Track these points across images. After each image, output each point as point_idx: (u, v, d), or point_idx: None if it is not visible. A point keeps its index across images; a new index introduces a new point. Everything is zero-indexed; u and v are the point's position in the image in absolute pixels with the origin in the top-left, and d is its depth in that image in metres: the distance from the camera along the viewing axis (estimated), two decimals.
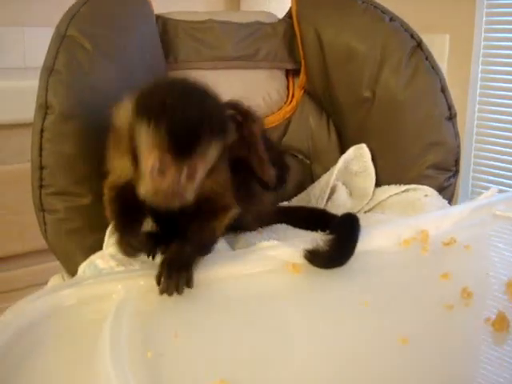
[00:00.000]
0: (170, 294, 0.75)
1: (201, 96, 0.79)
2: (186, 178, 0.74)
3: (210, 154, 0.77)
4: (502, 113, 2.03)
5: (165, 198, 0.75)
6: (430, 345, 0.67)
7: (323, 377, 0.62)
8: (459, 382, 0.61)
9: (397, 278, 0.85)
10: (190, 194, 0.76)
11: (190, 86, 0.81)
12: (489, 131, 2.08)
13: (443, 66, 2.18)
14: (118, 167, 0.84)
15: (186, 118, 0.74)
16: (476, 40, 2.06)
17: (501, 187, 2.00)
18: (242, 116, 0.90)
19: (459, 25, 2.09)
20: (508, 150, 2.01)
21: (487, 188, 1.82)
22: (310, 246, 0.84)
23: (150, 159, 0.74)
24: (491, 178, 2.09)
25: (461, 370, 0.63)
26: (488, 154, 2.09)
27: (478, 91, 2.10)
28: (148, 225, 0.91)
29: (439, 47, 2.18)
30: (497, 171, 2.07)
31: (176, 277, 0.76)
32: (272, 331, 0.71)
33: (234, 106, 0.91)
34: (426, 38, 2.14)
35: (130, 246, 0.79)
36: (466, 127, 2.13)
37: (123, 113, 0.77)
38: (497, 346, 0.67)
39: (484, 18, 2.03)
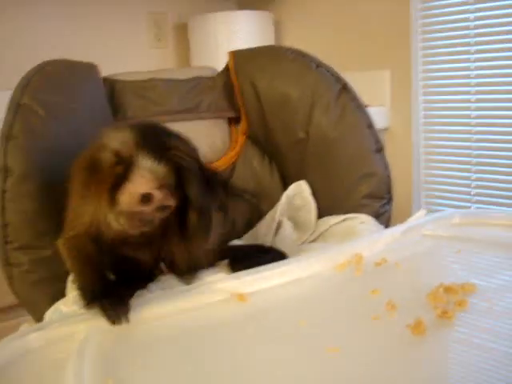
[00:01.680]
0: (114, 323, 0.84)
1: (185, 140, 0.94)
2: (166, 207, 0.89)
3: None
4: (447, 139, 2.12)
5: (139, 223, 0.88)
6: (357, 351, 0.75)
7: None
8: (384, 382, 0.68)
9: (331, 298, 0.93)
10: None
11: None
12: (436, 157, 2.17)
13: (386, 99, 2.31)
14: (88, 212, 0.91)
15: (185, 159, 0.88)
16: (414, 73, 2.16)
17: (451, 204, 2.12)
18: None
19: (398, 61, 2.19)
20: (455, 173, 2.12)
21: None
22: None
23: (141, 188, 0.86)
24: (441, 201, 2.18)
25: (386, 370, 0.70)
26: (437, 179, 2.18)
27: (422, 120, 2.21)
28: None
29: (381, 82, 2.31)
30: (447, 194, 2.16)
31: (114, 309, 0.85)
32: (222, 354, 0.77)
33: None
34: (368, 75, 2.28)
35: (116, 312, 0.85)
36: (413, 154, 2.24)
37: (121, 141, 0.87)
38: (416, 348, 0.74)
39: (420, 52, 2.13)
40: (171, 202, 0.89)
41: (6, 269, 1.08)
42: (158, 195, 0.86)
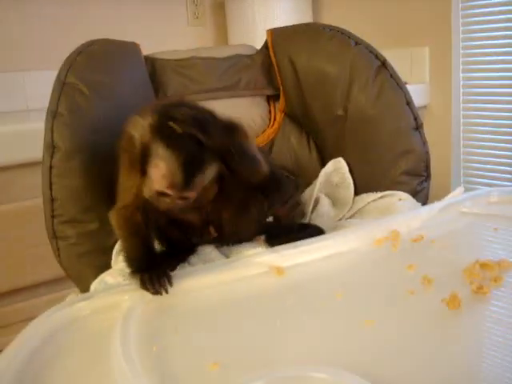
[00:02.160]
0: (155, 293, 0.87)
1: (207, 126, 0.88)
2: (185, 198, 0.87)
3: (207, 179, 0.89)
4: (485, 117, 2.12)
5: (166, 204, 0.88)
6: (393, 324, 0.77)
7: (305, 357, 0.71)
8: (420, 355, 0.69)
9: (368, 273, 0.94)
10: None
11: (201, 115, 0.91)
12: (475, 135, 2.17)
13: (426, 76, 2.29)
14: (134, 185, 0.92)
15: (186, 156, 0.84)
16: (455, 50, 2.15)
17: (490, 184, 2.11)
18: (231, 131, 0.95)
19: (437, 37, 2.18)
20: (494, 151, 2.11)
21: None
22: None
23: (155, 185, 0.86)
24: (480, 180, 2.18)
25: (421, 342, 0.72)
26: (476, 157, 2.18)
27: (462, 98, 2.19)
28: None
29: (420, 59, 2.29)
30: (485, 173, 2.16)
31: (154, 280, 0.88)
32: (260, 324, 0.80)
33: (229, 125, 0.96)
34: (407, 52, 2.27)
35: (154, 286, 0.88)
36: (453, 131, 2.23)
37: (140, 128, 0.87)
38: (451, 322, 0.75)
39: (461, 28, 2.11)
40: (190, 195, 0.88)
41: (53, 242, 1.12)
42: (171, 192, 0.86)
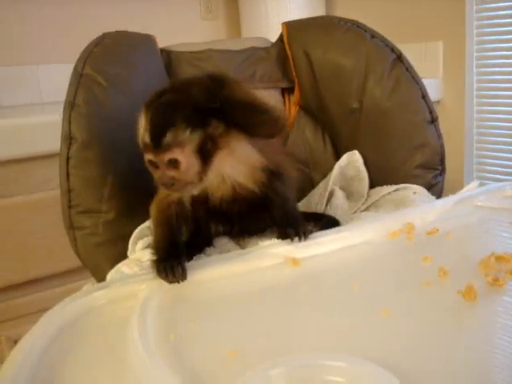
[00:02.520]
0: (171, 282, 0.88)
1: (184, 90, 0.87)
2: (174, 168, 0.85)
3: (188, 144, 0.84)
4: (499, 112, 2.12)
5: (168, 189, 0.88)
6: (410, 314, 0.77)
7: (322, 346, 0.72)
8: (435, 346, 0.69)
9: (383, 264, 0.95)
10: (193, 182, 0.88)
11: (194, 79, 0.91)
12: (489, 130, 2.17)
13: (439, 70, 2.28)
14: None
15: (157, 117, 0.84)
16: (469, 45, 2.14)
17: (503, 179, 2.10)
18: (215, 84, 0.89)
19: (452, 31, 2.18)
20: (507, 147, 2.11)
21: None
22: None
23: (145, 156, 0.86)
24: (493, 175, 2.18)
25: (437, 333, 0.72)
26: (489, 153, 2.18)
27: (475, 93, 2.19)
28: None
29: (434, 54, 2.28)
30: (498, 169, 2.16)
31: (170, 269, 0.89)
32: (276, 314, 0.81)
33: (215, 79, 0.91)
34: (421, 46, 2.27)
35: (168, 275, 0.89)
36: (466, 126, 2.23)
37: None
38: (467, 313, 0.76)
39: (475, 23, 2.11)
40: (172, 154, 0.84)
41: (70, 232, 1.14)
42: (148, 156, 0.85)
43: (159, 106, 0.85)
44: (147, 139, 0.84)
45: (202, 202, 0.98)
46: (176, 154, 0.84)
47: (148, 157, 0.86)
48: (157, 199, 0.97)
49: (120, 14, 2.32)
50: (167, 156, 0.84)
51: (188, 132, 0.83)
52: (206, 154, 0.87)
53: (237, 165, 0.94)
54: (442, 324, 0.75)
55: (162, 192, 0.95)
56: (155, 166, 0.87)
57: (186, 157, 0.85)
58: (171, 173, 0.86)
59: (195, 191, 0.92)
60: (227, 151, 0.90)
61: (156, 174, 0.88)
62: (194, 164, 0.86)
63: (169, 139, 0.83)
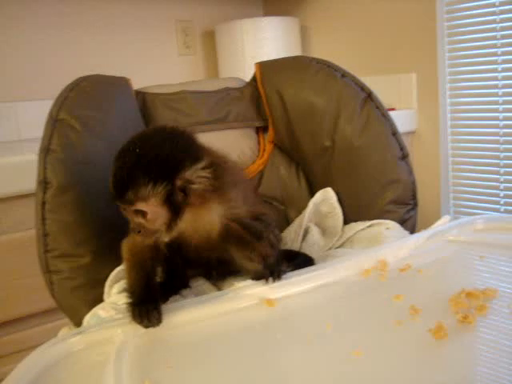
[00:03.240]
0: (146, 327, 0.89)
1: (152, 143, 0.86)
2: (141, 216, 0.86)
3: (152, 197, 0.83)
4: (474, 141, 2.16)
5: (136, 235, 0.89)
6: (381, 355, 0.78)
7: None
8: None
9: (356, 303, 0.96)
10: (161, 231, 0.88)
11: (157, 132, 0.90)
12: (464, 159, 2.20)
13: (413, 101, 2.32)
14: None
15: (122, 171, 0.84)
16: (441, 76, 2.19)
17: (480, 207, 2.14)
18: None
19: (424, 63, 2.22)
20: (483, 175, 2.14)
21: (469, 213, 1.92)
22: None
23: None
24: (470, 203, 2.20)
25: (408, 373, 0.73)
26: (465, 181, 2.21)
27: (449, 123, 2.23)
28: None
29: (407, 85, 2.33)
30: (475, 196, 2.18)
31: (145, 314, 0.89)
32: (252, 357, 0.81)
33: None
34: (395, 78, 2.31)
35: (143, 320, 0.89)
36: (441, 157, 2.26)
37: None
38: (437, 352, 0.77)
39: (447, 54, 2.16)
40: (138, 206, 0.85)
41: (47, 276, 1.13)
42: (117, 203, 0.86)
43: (124, 159, 0.85)
44: (113, 192, 0.85)
45: (176, 247, 0.99)
46: (140, 206, 0.85)
47: (119, 204, 0.87)
48: (129, 242, 0.97)
49: (96, 50, 2.33)
50: (132, 207, 0.85)
51: (150, 186, 0.83)
52: (175, 205, 0.86)
53: (209, 217, 0.94)
54: (413, 364, 0.76)
55: (135, 236, 0.95)
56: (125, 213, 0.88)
57: (150, 208, 0.85)
58: (139, 219, 0.87)
59: (166, 238, 0.92)
60: (199, 203, 0.90)
61: (130, 222, 0.89)
62: (162, 214, 0.86)
63: (131, 193, 0.83)
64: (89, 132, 1.18)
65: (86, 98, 1.23)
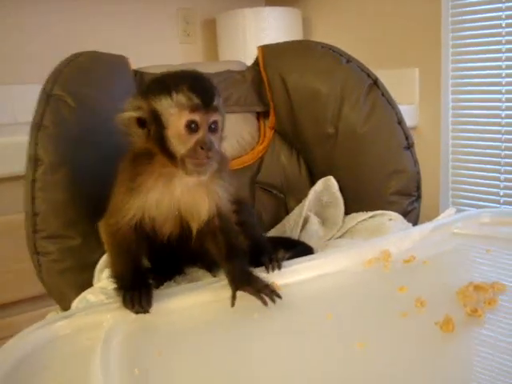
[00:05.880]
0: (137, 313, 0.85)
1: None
2: (212, 132, 0.85)
3: (223, 113, 0.89)
4: (476, 138, 2.12)
5: (200, 156, 0.84)
6: (386, 347, 0.74)
7: (295, 378, 0.69)
8: (412, 379, 0.67)
9: (358, 294, 0.92)
10: (216, 158, 0.86)
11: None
12: (465, 156, 2.17)
13: (415, 97, 2.29)
14: (134, 204, 0.88)
15: (203, 82, 0.88)
16: (444, 71, 2.15)
17: (479, 205, 2.10)
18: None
19: (427, 58, 2.18)
20: (483, 173, 2.11)
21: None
22: None
23: (181, 120, 0.83)
24: (469, 201, 2.17)
25: (413, 366, 0.70)
26: (465, 178, 2.17)
27: (451, 119, 2.20)
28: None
29: (410, 80, 2.29)
30: (474, 194, 2.15)
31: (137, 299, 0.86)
32: (247, 346, 0.78)
33: None
34: (397, 73, 2.27)
35: (135, 305, 0.86)
36: (442, 152, 2.23)
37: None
38: (444, 345, 0.73)
39: (451, 50, 2.12)
40: (217, 117, 0.87)
41: (34, 257, 1.09)
42: (197, 117, 0.84)
43: (198, 74, 0.91)
44: (197, 100, 0.84)
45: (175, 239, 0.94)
46: (218, 117, 0.87)
47: (193, 117, 0.84)
48: (111, 221, 0.91)
49: (96, 36, 2.30)
50: (213, 117, 0.85)
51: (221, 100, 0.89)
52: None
53: (206, 194, 0.92)
54: (419, 357, 0.72)
55: (118, 215, 0.89)
56: (194, 129, 0.84)
57: (221, 123, 0.89)
58: (210, 136, 0.85)
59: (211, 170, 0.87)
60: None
61: (191, 140, 0.84)
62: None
63: (216, 102, 0.86)
64: (83, 109, 1.13)
65: (81, 74, 1.19)
